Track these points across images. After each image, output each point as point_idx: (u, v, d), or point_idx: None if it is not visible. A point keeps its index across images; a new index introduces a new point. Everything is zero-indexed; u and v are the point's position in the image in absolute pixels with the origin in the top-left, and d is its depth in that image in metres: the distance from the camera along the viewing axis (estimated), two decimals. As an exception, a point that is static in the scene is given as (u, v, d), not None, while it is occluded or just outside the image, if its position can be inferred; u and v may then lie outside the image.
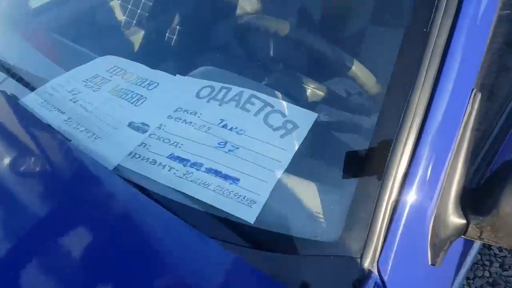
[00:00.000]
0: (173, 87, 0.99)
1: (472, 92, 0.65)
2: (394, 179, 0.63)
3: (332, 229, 0.66)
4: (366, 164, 0.69)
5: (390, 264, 0.62)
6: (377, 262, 0.62)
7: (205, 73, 1.05)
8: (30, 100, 0.99)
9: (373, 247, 0.63)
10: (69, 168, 0.83)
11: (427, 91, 0.64)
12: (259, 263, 0.64)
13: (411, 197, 0.63)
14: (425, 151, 0.66)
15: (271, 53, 1.13)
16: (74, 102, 0.99)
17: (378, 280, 0.61)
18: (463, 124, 0.64)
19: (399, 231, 0.63)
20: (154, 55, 1.44)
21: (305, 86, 1.02)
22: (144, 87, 1.00)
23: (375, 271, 0.62)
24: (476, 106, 0.64)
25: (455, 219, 0.65)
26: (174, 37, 1.54)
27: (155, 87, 0.99)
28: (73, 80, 1.08)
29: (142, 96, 0.97)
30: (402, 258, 0.63)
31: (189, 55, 1.43)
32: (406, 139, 0.64)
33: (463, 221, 0.66)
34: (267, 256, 0.65)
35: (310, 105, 1.02)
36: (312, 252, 0.65)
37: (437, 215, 0.64)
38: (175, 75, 1.02)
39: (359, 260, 0.62)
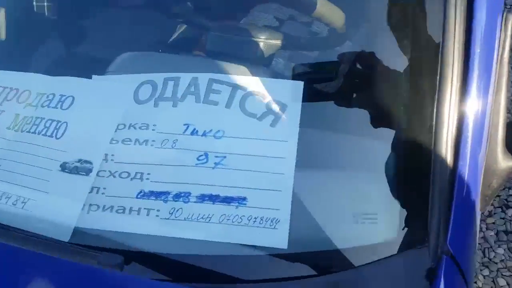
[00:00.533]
0: (96, 96, 0.75)
1: (502, 15, 0.55)
2: (446, 147, 0.54)
3: (386, 224, 0.56)
4: (403, 133, 0.58)
5: (458, 240, 0.55)
6: (446, 243, 0.54)
7: (128, 64, 0.81)
8: None
9: (438, 230, 0.55)
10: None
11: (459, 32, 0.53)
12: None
13: (464, 160, 0.55)
14: (468, 103, 0.57)
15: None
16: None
17: (450, 261, 0.54)
18: (499, 55, 0.55)
19: (459, 203, 0.55)
20: (33, 43, 1.11)
21: (261, 40, 0.84)
22: (55, 107, 0.75)
23: (445, 254, 0.54)
24: (509, 30, 0.55)
25: (506, 163, 0.59)
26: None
27: (71, 103, 0.75)
28: None
29: (59, 121, 0.73)
30: (463, 227, 0.56)
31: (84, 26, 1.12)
32: (450, 99, 0.53)
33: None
34: (321, 282, 0.54)
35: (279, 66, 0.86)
36: (372, 259, 0.55)
37: (487, 166, 0.58)
38: (90, 78, 0.78)
39: (426, 249, 0.54)
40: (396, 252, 0.56)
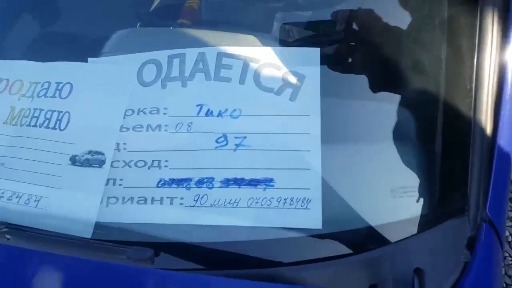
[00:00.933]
0: (96, 81, 0.71)
1: None
2: (486, 110, 0.52)
3: (424, 196, 0.55)
4: (440, 97, 0.55)
5: (495, 206, 0.55)
6: (485, 210, 0.54)
7: (124, 43, 0.76)
8: None
9: (477, 199, 0.55)
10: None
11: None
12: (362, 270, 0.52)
13: (503, 122, 0.53)
14: (507, 61, 0.55)
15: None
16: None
17: (489, 227, 0.54)
18: None
19: (498, 169, 0.54)
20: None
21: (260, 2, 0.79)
22: (53, 96, 0.70)
23: (485, 220, 0.54)
24: None
25: None
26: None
27: (69, 90, 0.70)
28: None
29: (60, 111, 0.69)
30: (500, 192, 0.56)
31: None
32: (490, 59, 0.50)
33: None
34: (360, 260, 0.54)
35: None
36: (412, 232, 0.54)
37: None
38: (85, 61, 0.73)
39: (466, 218, 0.54)
40: (435, 224, 0.55)
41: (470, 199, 0.54)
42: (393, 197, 0.57)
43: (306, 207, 0.58)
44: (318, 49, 0.64)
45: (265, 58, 0.66)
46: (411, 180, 0.58)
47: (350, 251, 0.55)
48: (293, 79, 0.64)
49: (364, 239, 0.57)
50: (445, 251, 0.55)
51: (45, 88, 0.72)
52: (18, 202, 0.64)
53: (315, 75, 0.63)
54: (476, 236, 0.54)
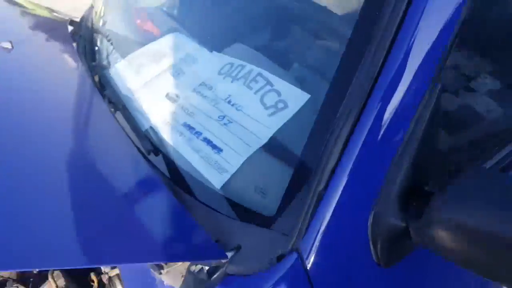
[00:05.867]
0: (205, 63, 1.05)
1: (431, 83, 0.63)
2: (325, 168, 0.66)
3: (272, 205, 0.77)
4: (305, 150, 0.74)
5: (313, 245, 0.66)
6: (301, 241, 0.67)
7: (236, 51, 1.06)
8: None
9: (299, 228, 0.67)
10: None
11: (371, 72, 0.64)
12: (204, 220, 0.80)
13: (341, 186, 0.64)
14: (361, 141, 0.66)
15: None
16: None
17: (298, 259, 0.68)
18: (415, 118, 0.63)
19: (328, 217, 0.66)
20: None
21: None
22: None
23: (297, 249, 0.67)
24: (433, 99, 0.61)
25: (394, 221, 0.64)
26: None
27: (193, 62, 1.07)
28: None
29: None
30: (331, 244, 0.67)
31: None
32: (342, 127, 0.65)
33: (403, 225, 0.64)
34: (214, 215, 0.80)
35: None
36: (250, 221, 0.77)
37: (376, 213, 0.64)
38: (211, 52, 1.07)
39: (286, 237, 0.69)
40: (265, 226, 0.74)
41: (294, 225, 0.66)
42: (257, 192, 0.79)
43: (221, 173, 0.85)
44: (308, 95, 0.87)
45: (277, 85, 0.91)
46: (273, 187, 0.78)
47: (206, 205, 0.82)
48: (280, 105, 0.88)
49: (228, 207, 0.80)
50: (261, 251, 0.68)
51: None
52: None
53: (294, 110, 0.86)
54: (283, 258, 0.65)
